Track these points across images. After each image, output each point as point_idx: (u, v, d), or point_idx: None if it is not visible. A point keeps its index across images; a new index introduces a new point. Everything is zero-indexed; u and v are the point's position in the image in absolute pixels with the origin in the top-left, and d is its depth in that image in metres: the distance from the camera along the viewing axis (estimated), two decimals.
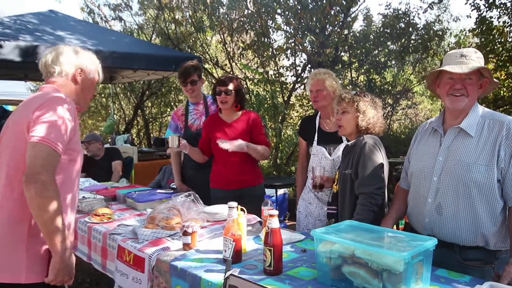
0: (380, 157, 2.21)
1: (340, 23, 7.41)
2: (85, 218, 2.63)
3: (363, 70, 8.37)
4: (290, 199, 6.16)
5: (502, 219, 1.75)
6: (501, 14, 6.95)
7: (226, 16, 7.17)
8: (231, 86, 2.97)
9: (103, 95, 11.06)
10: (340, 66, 7.96)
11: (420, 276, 1.50)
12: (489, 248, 1.75)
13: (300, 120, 3.29)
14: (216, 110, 3.28)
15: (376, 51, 8.01)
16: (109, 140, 7.40)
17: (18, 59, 4.45)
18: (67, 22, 5.94)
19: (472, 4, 7.02)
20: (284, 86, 7.60)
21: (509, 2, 6.80)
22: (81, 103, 1.91)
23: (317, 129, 2.89)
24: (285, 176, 6.94)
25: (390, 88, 8.91)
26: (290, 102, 7.96)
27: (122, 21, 9.06)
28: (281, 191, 5.67)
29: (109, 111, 9.78)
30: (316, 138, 2.87)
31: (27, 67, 6.00)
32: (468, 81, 1.77)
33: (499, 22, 7.02)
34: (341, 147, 2.72)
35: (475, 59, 1.78)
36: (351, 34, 7.93)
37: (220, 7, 6.97)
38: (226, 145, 2.84)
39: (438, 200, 1.82)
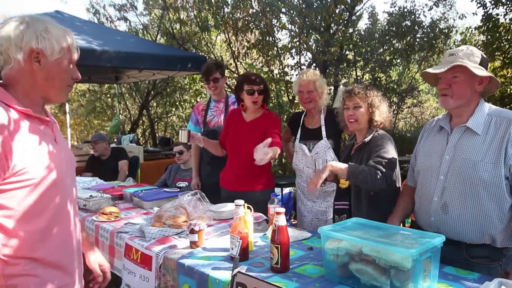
0: (393, 151, 2.22)
1: (345, 22, 7.39)
2: (92, 217, 2.65)
3: (368, 69, 8.34)
4: (295, 198, 6.15)
5: (510, 216, 1.74)
6: (507, 11, 6.90)
7: (231, 15, 7.17)
8: (262, 85, 2.85)
9: (108, 95, 11.13)
10: (345, 65, 7.94)
11: (428, 273, 1.50)
12: (496, 245, 1.74)
13: (292, 114, 3.37)
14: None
15: (382, 50, 7.98)
16: (115, 140, 7.44)
17: None
18: (73, 22, 5.97)
19: (478, 1, 6.97)
20: (289, 85, 7.59)
21: None
22: (50, 96, 1.36)
23: (300, 126, 2.94)
24: (290, 175, 6.93)
25: (395, 86, 8.88)
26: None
27: (128, 21, 9.11)
28: (286, 190, 5.67)
29: (115, 111, 9.82)
30: (299, 135, 2.95)
31: None
32: (454, 79, 1.75)
33: (505, 19, 6.97)
34: (320, 144, 2.82)
35: (462, 56, 1.75)
36: (356, 32, 7.90)
37: (225, 7, 6.98)
38: (260, 160, 2.45)
39: (444, 199, 1.81)
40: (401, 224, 2.16)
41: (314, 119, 2.95)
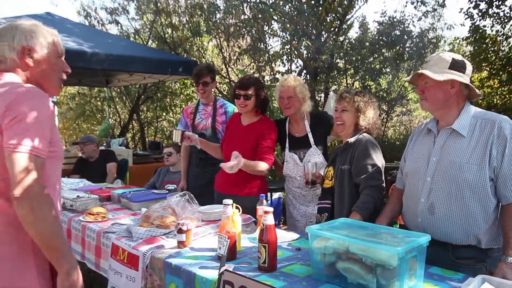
0: (381, 156, 2.29)
1: (336, 30, 7.48)
2: (79, 217, 2.62)
3: (358, 77, 8.43)
4: (285, 203, 6.15)
5: (494, 217, 1.77)
6: (494, 23, 7.06)
7: (222, 21, 7.21)
8: (251, 90, 2.76)
9: (98, 99, 11.05)
10: (335, 73, 8.01)
11: (413, 272, 1.51)
12: (481, 246, 1.77)
13: (274, 122, 3.36)
14: (224, 113, 3.38)
15: (372, 58, 8.08)
16: (104, 143, 7.38)
17: None
18: (64, 24, 5.95)
19: (466, 12, 7.12)
20: None
21: (501, 11, 6.90)
22: (45, 87, 1.54)
23: (287, 135, 2.94)
24: (280, 180, 6.93)
25: (385, 95, 8.98)
26: None
27: (119, 24, 9.08)
28: (276, 195, 5.67)
29: (105, 115, 9.76)
30: (287, 144, 2.93)
31: None
32: (426, 85, 1.85)
33: (492, 31, 7.13)
34: (310, 152, 2.84)
35: (432, 64, 1.85)
36: (347, 41, 8.00)
37: (217, 12, 7.02)
38: (227, 169, 2.52)
39: (431, 200, 1.84)
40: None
41: (299, 127, 2.93)
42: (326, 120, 2.94)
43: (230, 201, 1.94)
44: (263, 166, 2.72)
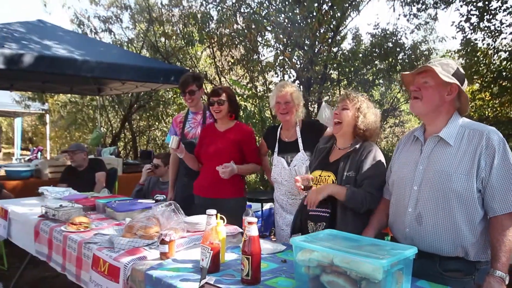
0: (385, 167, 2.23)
1: (330, 41, 7.51)
2: (61, 227, 2.55)
3: (351, 88, 8.45)
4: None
5: (482, 229, 1.73)
6: (485, 36, 7.13)
7: (215, 30, 7.22)
8: (223, 96, 3.03)
9: (90, 107, 10.97)
10: (329, 83, 8.04)
11: (400, 286, 1.46)
12: (469, 259, 1.73)
13: (267, 128, 3.40)
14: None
15: (365, 70, 8.12)
16: (95, 152, 7.30)
17: (2, 67, 4.38)
18: (55, 32, 5.91)
19: (458, 26, 7.19)
20: None
21: (492, 25, 6.98)
22: None
23: (277, 139, 2.94)
24: (271, 191, 6.88)
25: (378, 106, 9.01)
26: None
27: (112, 33, 9.06)
28: (267, 206, 5.60)
29: (96, 124, 9.68)
30: (276, 149, 2.94)
31: (12, 77, 5.95)
32: (425, 84, 1.80)
33: (483, 44, 7.19)
34: (298, 156, 2.80)
35: (436, 64, 1.80)
36: (340, 52, 8.04)
37: (210, 22, 7.02)
38: (223, 175, 2.86)
39: (418, 209, 1.80)
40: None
41: (290, 132, 2.94)
42: (317, 127, 2.95)
43: (214, 211, 1.89)
44: (255, 166, 3.14)
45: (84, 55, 5.12)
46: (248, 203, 3.17)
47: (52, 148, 14.08)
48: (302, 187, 2.25)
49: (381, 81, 8.54)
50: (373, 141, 2.31)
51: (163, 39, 8.87)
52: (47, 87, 7.24)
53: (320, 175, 2.33)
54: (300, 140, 2.85)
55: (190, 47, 8.06)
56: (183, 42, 8.21)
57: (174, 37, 8.58)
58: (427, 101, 1.80)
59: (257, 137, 7.13)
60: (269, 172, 3.15)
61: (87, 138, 10.73)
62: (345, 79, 8.32)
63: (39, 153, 8.44)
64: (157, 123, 11.18)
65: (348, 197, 2.12)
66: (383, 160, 2.23)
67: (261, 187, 7.25)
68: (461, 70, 1.83)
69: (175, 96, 9.94)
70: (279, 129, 3.00)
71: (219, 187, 2.99)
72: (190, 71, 7.36)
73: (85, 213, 2.90)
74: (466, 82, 1.84)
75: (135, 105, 9.90)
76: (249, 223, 1.69)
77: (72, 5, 16.61)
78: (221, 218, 1.99)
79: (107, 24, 9.13)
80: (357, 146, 2.25)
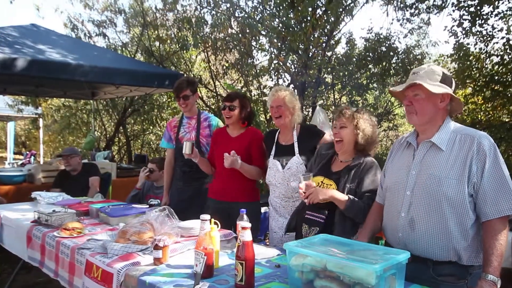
0: None
1: (324, 45, 7.55)
2: (53, 233, 2.53)
3: (345, 92, 8.50)
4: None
5: (474, 233, 1.74)
6: (477, 41, 7.20)
7: (210, 35, 7.23)
8: (236, 103, 3.06)
9: (84, 111, 10.92)
10: (323, 87, 8.07)
11: None
12: (462, 263, 1.74)
13: (267, 131, 3.43)
14: (207, 126, 3.44)
15: (358, 74, 8.17)
16: (89, 157, 7.26)
17: None
18: (49, 36, 5.88)
19: (450, 30, 7.26)
20: (266, 105, 7.63)
21: (484, 30, 7.06)
22: None
23: (275, 142, 2.96)
24: (266, 195, 6.87)
25: (372, 110, 9.06)
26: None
27: (106, 37, 9.04)
28: (262, 210, 5.59)
29: (90, 128, 9.64)
30: (273, 152, 2.96)
31: (5, 80, 5.91)
32: (416, 97, 1.81)
33: (475, 48, 7.27)
34: (293, 160, 2.82)
35: (422, 75, 1.80)
36: (334, 56, 8.08)
37: (204, 26, 7.03)
38: (226, 162, 2.89)
39: (411, 214, 1.81)
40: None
41: (287, 136, 2.96)
42: (315, 132, 2.96)
43: (207, 217, 1.89)
44: (259, 170, 3.07)
45: (78, 59, 5.10)
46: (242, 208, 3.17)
47: (45, 152, 13.98)
48: (303, 194, 2.28)
49: (375, 85, 8.59)
50: (372, 151, 2.37)
51: (157, 43, 8.86)
52: (41, 91, 7.20)
53: (322, 182, 2.38)
54: (296, 144, 2.87)
55: (184, 51, 8.06)
56: (177, 46, 8.21)
57: (168, 41, 8.57)
58: (421, 114, 1.81)
59: None
60: (265, 174, 3.16)
61: (81, 142, 10.66)
62: (339, 83, 8.36)
63: (32, 157, 8.36)
64: (151, 127, 11.14)
65: (348, 206, 2.19)
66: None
67: None
68: (447, 72, 1.84)
69: (169, 100, 9.93)
70: (277, 133, 3.02)
71: (234, 191, 3.04)
72: (185, 75, 7.36)
73: (79, 218, 2.88)
74: (453, 83, 1.85)
75: (129, 109, 9.87)
76: (243, 228, 1.69)
77: (65, 9, 16.55)
78: (215, 223, 1.99)
79: (101, 28, 9.10)
80: (360, 161, 2.31)
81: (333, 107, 8.79)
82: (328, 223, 2.28)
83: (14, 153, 14.33)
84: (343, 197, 2.21)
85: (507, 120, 7.63)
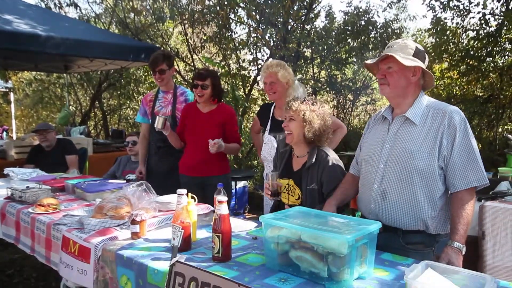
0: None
1: (303, 19, 7.47)
2: (28, 209, 2.49)
3: (324, 66, 8.49)
4: (250, 192, 6.16)
5: (442, 204, 1.82)
6: (454, 15, 7.26)
7: (187, 7, 7.04)
8: (208, 81, 3.02)
9: (57, 85, 10.58)
10: (302, 62, 8.04)
11: (364, 259, 1.52)
12: (429, 232, 1.82)
13: (261, 105, 3.39)
14: (184, 101, 3.39)
15: (337, 48, 8.15)
16: (64, 132, 7.08)
17: None
18: (16, 5, 5.59)
19: (428, 4, 7.28)
20: (246, 79, 7.57)
21: (461, 4, 7.11)
22: None
23: (270, 117, 2.93)
24: (245, 169, 6.93)
25: (350, 84, 9.11)
26: (253, 96, 7.96)
27: (78, 8, 8.67)
28: (241, 184, 5.66)
29: (65, 102, 9.37)
30: (268, 127, 2.93)
31: None
32: (388, 70, 1.84)
33: (452, 23, 7.33)
34: None
35: (396, 48, 1.83)
36: (313, 30, 8.02)
37: None
38: (212, 149, 2.91)
39: (383, 186, 1.87)
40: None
41: (282, 111, 2.92)
42: None
43: (184, 191, 1.89)
44: (238, 146, 3.20)
45: (48, 30, 4.89)
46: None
47: (18, 127, 13.56)
48: (270, 193, 2.29)
49: (353, 59, 8.61)
50: (323, 143, 2.29)
51: (132, 15, 8.57)
52: (10, 64, 6.92)
53: (288, 184, 2.35)
54: None
55: (160, 24, 7.83)
56: (153, 18, 7.97)
57: (144, 12, 8.30)
58: (394, 86, 1.84)
59: None
60: (260, 150, 3.15)
61: (55, 117, 10.38)
62: (318, 57, 8.34)
63: (4, 133, 8.10)
64: (128, 102, 10.92)
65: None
66: (339, 161, 2.27)
67: (234, 166, 7.28)
68: (420, 47, 1.87)
69: (146, 74, 9.71)
70: (272, 107, 2.98)
71: (205, 166, 3.06)
72: (161, 48, 7.19)
73: (54, 194, 2.85)
74: (427, 58, 1.88)
75: (105, 83, 9.62)
76: (219, 201, 1.71)
77: None
78: (192, 197, 2.00)
79: None
80: (313, 160, 2.24)
81: (312, 82, 8.80)
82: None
83: None
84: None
85: (480, 94, 7.82)
